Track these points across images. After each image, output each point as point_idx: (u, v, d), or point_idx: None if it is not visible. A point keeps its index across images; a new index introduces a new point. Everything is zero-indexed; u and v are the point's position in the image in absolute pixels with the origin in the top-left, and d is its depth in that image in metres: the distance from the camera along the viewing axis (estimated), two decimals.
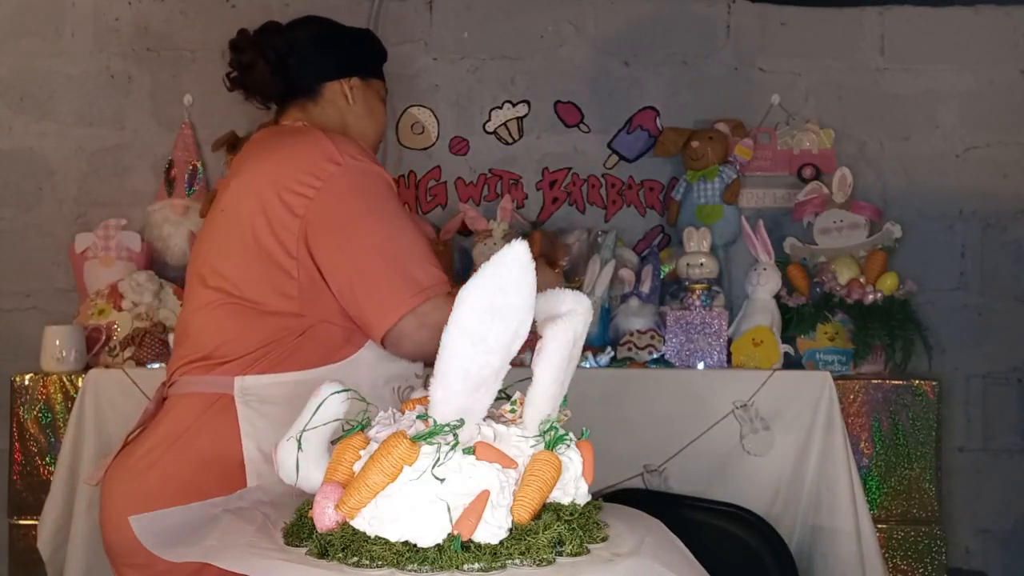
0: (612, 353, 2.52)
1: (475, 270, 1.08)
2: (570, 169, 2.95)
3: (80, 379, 2.45)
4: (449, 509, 1.03)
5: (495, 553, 1.03)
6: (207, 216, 1.77)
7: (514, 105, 2.96)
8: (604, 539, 1.14)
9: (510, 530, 1.06)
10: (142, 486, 1.54)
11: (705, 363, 2.49)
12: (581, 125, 2.96)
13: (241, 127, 2.81)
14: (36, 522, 2.40)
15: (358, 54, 1.88)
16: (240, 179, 1.67)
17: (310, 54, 1.81)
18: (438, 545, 1.03)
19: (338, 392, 1.16)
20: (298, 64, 1.79)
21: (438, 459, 1.04)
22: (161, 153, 2.94)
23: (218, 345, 1.60)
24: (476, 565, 1.02)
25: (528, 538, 1.05)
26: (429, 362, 1.41)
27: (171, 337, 2.48)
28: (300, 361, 1.59)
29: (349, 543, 1.05)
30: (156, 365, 2.49)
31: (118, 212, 2.86)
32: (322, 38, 1.84)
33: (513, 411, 1.18)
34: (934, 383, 2.45)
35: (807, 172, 2.83)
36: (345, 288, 1.57)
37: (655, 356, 2.51)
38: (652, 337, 2.53)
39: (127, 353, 2.52)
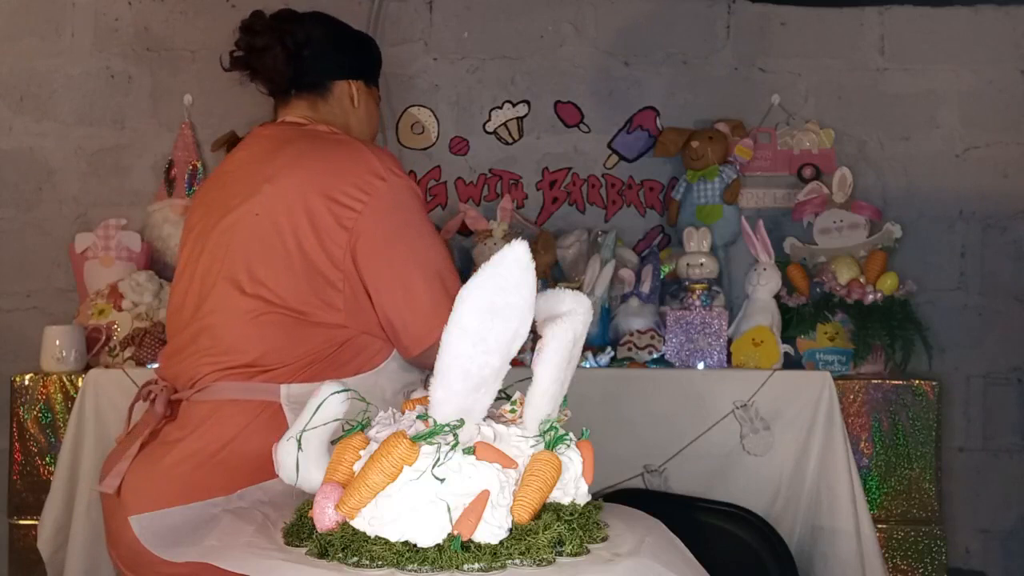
0: (612, 353, 2.52)
1: (475, 270, 1.08)
2: (570, 169, 2.95)
3: (80, 379, 2.45)
4: (449, 509, 1.03)
5: (495, 553, 1.03)
6: (225, 213, 1.68)
7: (514, 105, 2.96)
8: (604, 539, 1.14)
9: (510, 530, 1.06)
10: (182, 491, 1.47)
11: (705, 363, 2.49)
12: (581, 125, 2.96)
13: (241, 127, 2.80)
14: (36, 522, 2.39)
15: (365, 59, 1.94)
16: (278, 184, 1.64)
17: (325, 50, 1.84)
18: (438, 545, 1.03)
19: (338, 392, 1.16)
20: (312, 57, 1.82)
21: (438, 459, 1.04)
22: (161, 153, 2.94)
23: (263, 353, 1.59)
24: (476, 565, 1.02)
25: (528, 538, 1.05)
26: None
27: None
28: (341, 370, 1.62)
29: (349, 543, 1.05)
30: (156, 365, 2.49)
31: (118, 212, 2.86)
32: (336, 36, 1.88)
33: (513, 411, 1.18)
34: (934, 383, 2.45)
35: (807, 172, 2.83)
36: (389, 304, 1.62)
37: (655, 356, 2.51)
38: (652, 337, 2.53)
39: (127, 353, 2.52)
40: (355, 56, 1.91)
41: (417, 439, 1.05)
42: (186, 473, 1.54)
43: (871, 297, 2.54)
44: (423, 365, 1.65)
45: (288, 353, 1.59)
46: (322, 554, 1.06)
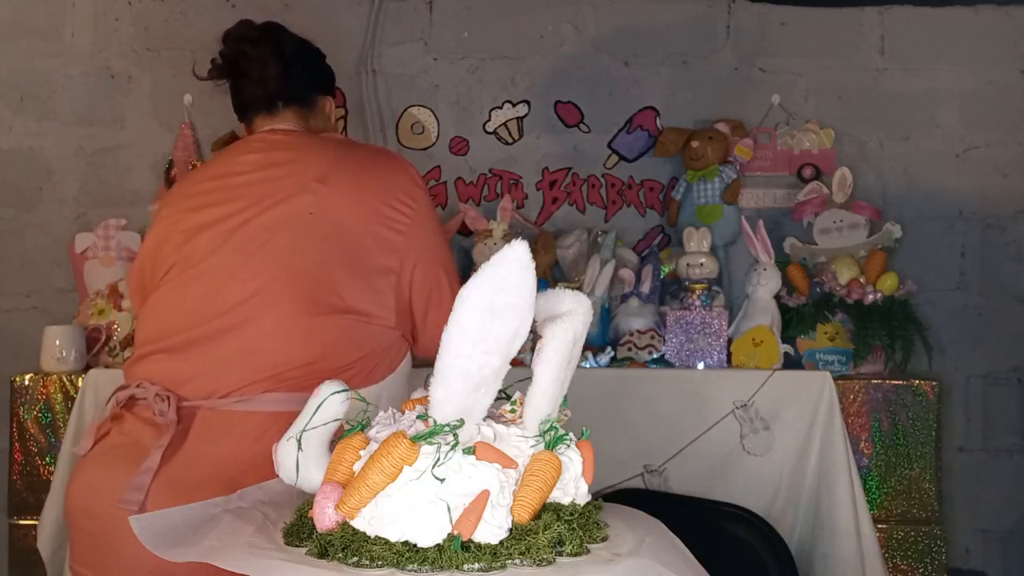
0: (612, 353, 2.52)
1: (475, 270, 1.08)
2: (570, 169, 2.95)
3: (80, 379, 2.45)
4: (449, 509, 1.03)
5: (495, 553, 1.03)
6: (259, 212, 1.65)
7: (514, 105, 2.96)
8: (604, 539, 1.14)
9: (510, 530, 1.06)
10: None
11: (705, 363, 2.49)
12: (581, 125, 2.96)
13: (240, 127, 2.80)
14: (36, 522, 2.40)
15: (332, 76, 2.01)
16: (333, 186, 1.67)
17: (311, 64, 1.92)
18: (438, 545, 1.02)
19: (338, 392, 1.16)
20: (302, 71, 1.88)
21: (438, 459, 1.04)
22: (161, 153, 2.94)
23: (320, 356, 1.58)
24: (476, 565, 1.02)
25: (528, 538, 1.05)
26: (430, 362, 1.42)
27: None
28: (380, 372, 1.68)
29: (349, 543, 1.04)
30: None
31: (118, 212, 2.86)
32: (314, 52, 1.94)
33: (513, 411, 1.18)
34: (934, 383, 2.45)
35: (807, 172, 2.83)
36: (421, 303, 1.73)
37: (655, 356, 2.51)
38: (652, 337, 2.53)
39: (127, 353, 2.52)
40: (330, 73, 1.99)
41: (417, 439, 1.05)
42: (234, 477, 1.45)
43: (871, 297, 2.54)
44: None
45: (348, 355, 1.61)
46: (322, 554, 1.06)
